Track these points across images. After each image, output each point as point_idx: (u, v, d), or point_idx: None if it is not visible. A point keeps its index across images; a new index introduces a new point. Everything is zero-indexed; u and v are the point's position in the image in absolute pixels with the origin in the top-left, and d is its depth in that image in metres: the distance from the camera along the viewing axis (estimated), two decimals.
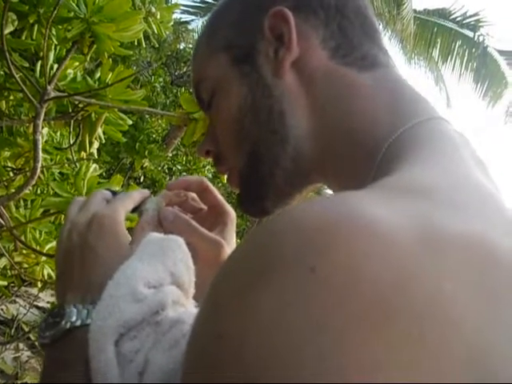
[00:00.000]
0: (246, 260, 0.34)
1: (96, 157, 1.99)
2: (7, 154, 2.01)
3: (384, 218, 0.33)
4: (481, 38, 10.88)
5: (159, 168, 7.38)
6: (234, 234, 0.73)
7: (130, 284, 0.51)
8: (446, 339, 0.29)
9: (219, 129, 0.68)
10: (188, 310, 0.53)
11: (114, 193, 0.69)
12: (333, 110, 0.60)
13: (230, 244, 0.70)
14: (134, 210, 0.68)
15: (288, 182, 0.65)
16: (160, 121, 6.89)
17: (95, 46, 1.50)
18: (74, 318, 0.54)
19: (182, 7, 10.34)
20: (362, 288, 0.29)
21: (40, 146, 1.45)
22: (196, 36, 10.84)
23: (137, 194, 0.69)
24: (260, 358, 0.29)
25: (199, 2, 11.48)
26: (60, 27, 1.63)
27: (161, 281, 0.53)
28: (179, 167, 7.79)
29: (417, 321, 0.29)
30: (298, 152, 0.62)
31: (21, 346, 3.58)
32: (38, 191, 2.50)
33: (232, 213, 0.74)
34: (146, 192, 0.71)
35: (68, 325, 0.53)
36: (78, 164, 1.88)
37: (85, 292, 0.56)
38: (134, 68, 7.67)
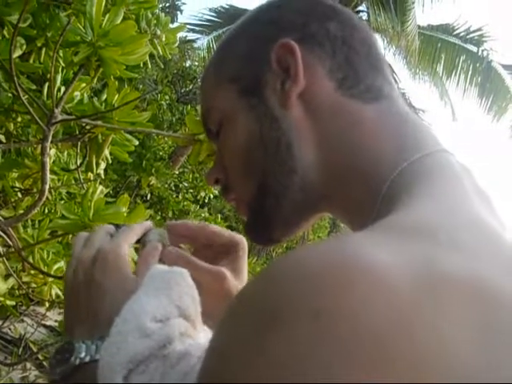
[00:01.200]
0: (253, 307, 0.35)
1: (103, 177, 2.01)
2: (15, 174, 2.03)
3: (383, 264, 0.34)
4: (485, 53, 10.92)
5: (166, 185, 7.41)
6: (246, 262, 0.74)
7: (137, 319, 0.51)
8: (444, 380, 0.30)
9: (227, 159, 0.68)
10: (196, 341, 0.54)
11: (117, 226, 0.71)
12: (337, 143, 0.60)
13: (242, 272, 0.72)
14: (137, 242, 0.69)
15: (295, 212, 0.65)
16: (166, 138, 6.93)
17: (101, 69, 1.52)
18: (83, 354, 0.55)
19: (187, 26, 10.42)
20: (361, 338, 0.30)
21: (48, 168, 1.47)
22: (202, 54, 10.94)
23: (139, 227, 0.70)
24: None
25: (205, 21, 11.59)
26: (67, 50, 1.66)
27: (167, 314, 0.53)
28: (186, 184, 7.81)
29: (416, 367, 0.30)
30: (305, 183, 0.62)
31: (28, 365, 3.58)
32: (46, 210, 2.52)
33: (242, 242, 0.75)
34: (148, 224, 0.73)
35: (77, 361, 0.55)
36: (85, 185, 1.89)
37: (93, 327, 0.57)
38: (140, 86, 7.73)
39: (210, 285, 0.68)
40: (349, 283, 0.33)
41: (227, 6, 11.77)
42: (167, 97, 8.96)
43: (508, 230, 0.51)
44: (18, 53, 1.57)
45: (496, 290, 0.36)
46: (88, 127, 1.69)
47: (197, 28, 11.48)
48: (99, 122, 1.59)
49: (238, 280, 0.70)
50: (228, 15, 11.33)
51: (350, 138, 0.60)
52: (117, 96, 1.70)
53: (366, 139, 0.59)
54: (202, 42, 11.34)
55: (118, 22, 1.49)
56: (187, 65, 11.02)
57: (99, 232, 0.68)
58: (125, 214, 1.43)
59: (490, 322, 0.34)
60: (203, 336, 0.56)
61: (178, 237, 0.74)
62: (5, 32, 1.60)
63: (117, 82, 1.74)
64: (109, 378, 0.49)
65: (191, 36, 11.29)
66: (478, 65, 10.96)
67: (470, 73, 11.05)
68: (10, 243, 1.66)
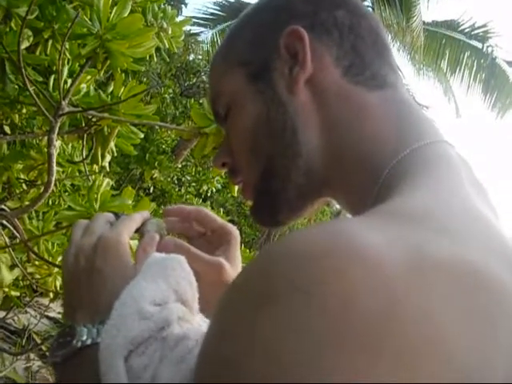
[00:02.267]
0: (248, 287, 0.37)
1: (108, 169, 2.02)
2: (20, 166, 2.04)
3: (376, 247, 0.35)
4: (489, 49, 10.87)
5: (169, 179, 7.41)
6: (239, 251, 0.76)
7: (136, 303, 0.53)
8: (434, 362, 0.31)
9: (234, 142, 0.69)
10: (194, 325, 0.56)
11: (117, 215, 0.72)
12: (340, 129, 0.62)
13: (236, 261, 0.74)
14: (135, 231, 0.71)
15: (300, 196, 0.66)
16: (170, 132, 6.93)
17: (108, 62, 1.52)
18: (84, 337, 0.56)
19: (191, 19, 10.40)
20: (352, 316, 0.32)
21: (54, 160, 1.48)
22: (206, 47, 10.91)
23: (138, 216, 0.71)
24: (264, 376, 0.32)
25: (209, 14, 11.56)
26: (73, 42, 1.66)
27: (165, 299, 0.55)
28: (188, 178, 7.81)
29: (404, 346, 0.31)
30: (309, 167, 0.63)
31: (32, 356, 3.60)
32: (50, 202, 2.53)
33: (234, 231, 0.77)
34: (147, 214, 0.74)
35: (79, 344, 0.56)
36: (90, 177, 1.90)
37: (94, 312, 0.58)
38: (144, 79, 7.73)
39: (207, 275, 0.69)
40: (342, 266, 0.34)
41: (231, 0, 11.74)
42: (171, 90, 8.95)
43: (501, 220, 0.53)
44: (25, 45, 1.57)
45: (486, 275, 0.37)
46: (94, 119, 1.70)
47: (201, 21, 11.45)
48: (106, 115, 1.60)
49: (233, 268, 0.72)
50: (232, 9, 11.29)
51: (353, 124, 0.62)
52: (123, 89, 1.71)
53: (368, 126, 0.61)
54: (206, 35, 11.31)
55: (126, 14, 1.50)
56: (191, 58, 10.99)
57: (99, 220, 0.69)
58: (130, 207, 1.44)
59: (479, 305, 0.35)
60: (200, 320, 0.58)
61: (174, 221, 0.77)
62: (12, 24, 1.61)
63: (123, 75, 1.74)
64: (109, 359, 0.50)
65: (195, 29, 11.28)
66: (482, 61, 10.91)
67: (474, 69, 11.01)
68: (16, 234, 1.67)
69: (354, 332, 0.31)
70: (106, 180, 1.50)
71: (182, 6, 12.14)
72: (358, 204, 0.60)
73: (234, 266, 0.72)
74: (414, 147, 0.57)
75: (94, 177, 1.70)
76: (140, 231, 0.71)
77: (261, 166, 0.66)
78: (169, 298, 0.56)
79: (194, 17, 11.25)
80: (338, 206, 0.71)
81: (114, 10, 1.48)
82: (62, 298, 0.68)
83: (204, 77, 10.04)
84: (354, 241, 0.36)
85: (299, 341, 0.32)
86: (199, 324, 0.57)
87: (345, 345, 0.31)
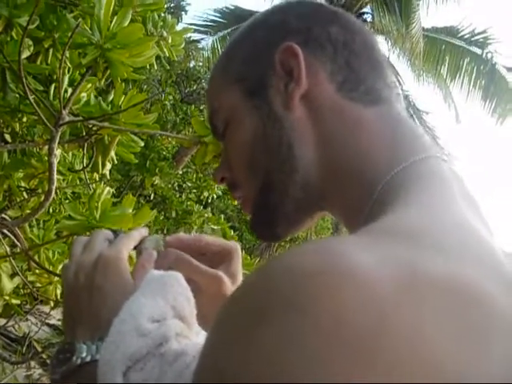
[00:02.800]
0: (245, 303, 0.38)
1: (108, 177, 2.02)
2: (21, 174, 2.04)
3: (368, 266, 0.36)
4: (489, 56, 10.90)
5: (169, 185, 7.42)
6: (240, 266, 0.76)
7: (134, 320, 0.54)
8: (425, 376, 0.31)
9: (232, 157, 0.70)
10: (192, 341, 0.56)
11: (115, 232, 0.73)
12: (335, 144, 0.62)
13: (237, 276, 0.74)
14: (133, 248, 0.72)
15: (298, 210, 0.67)
16: (170, 139, 6.94)
17: (109, 71, 1.53)
18: (84, 354, 0.57)
19: (192, 26, 10.43)
20: (345, 335, 0.32)
21: (55, 169, 1.49)
22: (206, 54, 10.95)
23: (136, 234, 0.72)
24: None
25: (209, 21, 11.60)
26: (74, 51, 1.67)
27: (163, 315, 0.56)
28: (189, 184, 7.81)
29: (395, 364, 0.31)
30: (306, 181, 0.64)
31: (32, 363, 3.59)
32: (51, 210, 2.53)
33: (235, 247, 0.77)
34: (145, 230, 0.75)
35: (79, 360, 0.56)
36: (90, 185, 1.91)
37: (94, 329, 0.59)
38: (145, 87, 7.74)
39: (208, 288, 0.70)
40: (333, 284, 0.35)
41: (232, 7, 11.79)
42: (171, 97, 8.97)
43: (494, 235, 0.53)
44: (25, 54, 1.58)
45: (478, 291, 0.38)
46: (95, 128, 1.70)
47: (201, 28, 11.49)
48: (106, 124, 1.60)
49: (233, 284, 0.73)
50: (233, 16, 11.34)
51: (347, 139, 0.62)
52: (123, 98, 1.72)
53: (362, 142, 0.61)
54: (207, 42, 11.36)
55: (126, 24, 1.50)
56: (191, 65, 11.02)
57: (98, 237, 0.70)
58: (131, 216, 1.44)
59: (471, 320, 0.36)
60: (199, 336, 0.58)
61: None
62: (13, 33, 1.61)
63: (123, 83, 1.75)
64: (108, 375, 0.51)
65: (196, 36, 11.32)
66: (482, 67, 10.94)
67: (474, 75, 11.05)
68: (17, 243, 1.67)
69: (346, 347, 0.32)
70: (107, 188, 1.50)
71: (183, 13, 12.18)
72: (353, 218, 0.60)
73: (234, 280, 0.73)
74: (407, 163, 0.58)
75: (94, 185, 1.71)
76: (138, 248, 0.72)
77: (259, 181, 0.67)
78: (167, 314, 0.56)
79: (194, 24, 11.31)
80: None
81: (114, 20, 1.49)
82: (62, 310, 0.69)
83: (204, 83, 10.05)
84: (346, 260, 0.37)
85: (294, 356, 0.32)
86: (197, 339, 0.57)
87: (337, 360, 0.32)
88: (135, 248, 0.72)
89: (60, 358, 0.58)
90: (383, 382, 0.31)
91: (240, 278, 0.75)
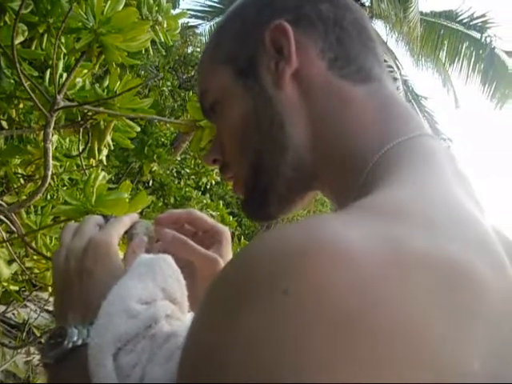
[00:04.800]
0: (229, 284, 0.38)
1: (105, 163, 2.02)
2: (17, 161, 2.04)
3: (354, 242, 0.36)
4: (488, 40, 10.86)
5: (168, 172, 7.42)
6: (230, 250, 0.77)
7: (123, 302, 0.54)
8: (410, 355, 0.32)
9: (224, 138, 0.70)
10: (184, 323, 0.56)
11: (106, 217, 0.73)
12: (326, 123, 0.62)
13: (227, 259, 0.74)
14: (124, 233, 0.72)
15: (289, 189, 0.67)
16: (168, 125, 6.92)
17: (103, 56, 1.53)
18: (75, 338, 0.57)
19: (189, 12, 10.40)
20: (329, 311, 0.33)
21: (50, 154, 1.48)
22: (204, 40, 10.90)
23: (127, 219, 0.72)
24: (244, 369, 0.32)
25: (207, 7, 11.53)
26: (69, 36, 1.66)
27: (153, 296, 0.56)
28: (188, 171, 7.81)
29: (380, 341, 0.32)
30: (297, 160, 0.64)
31: (32, 349, 3.61)
32: (48, 197, 2.53)
33: (225, 231, 0.78)
34: (135, 216, 0.75)
35: (70, 344, 0.56)
36: (87, 171, 1.91)
37: (85, 313, 0.59)
38: (142, 73, 7.71)
39: (203, 269, 0.71)
40: (316, 261, 0.35)
41: None
42: (169, 83, 8.94)
43: (486, 214, 0.53)
44: (19, 39, 1.57)
45: (466, 268, 0.38)
46: (90, 113, 1.70)
47: (199, 14, 11.44)
48: (101, 109, 1.60)
49: None
50: (230, 1, 11.27)
51: (337, 117, 0.62)
52: (119, 83, 1.71)
53: (352, 120, 0.61)
54: (204, 27, 11.32)
55: (120, 8, 1.50)
56: (189, 51, 10.97)
57: (89, 222, 0.70)
58: (127, 200, 1.44)
59: (458, 298, 0.36)
60: (190, 318, 0.58)
61: (166, 226, 0.76)
62: (6, 18, 1.61)
63: (119, 69, 1.74)
64: (98, 358, 0.51)
65: (193, 22, 11.26)
66: (481, 51, 10.90)
67: (472, 59, 11.01)
68: (14, 229, 1.68)
69: (329, 326, 0.32)
70: (102, 174, 1.50)
71: None
72: (344, 197, 0.60)
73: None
74: (397, 141, 0.57)
75: (90, 170, 1.70)
76: (129, 233, 0.72)
77: (250, 160, 0.67)
78: (156, 295, 0.56)
79: (191, 9, 11.26)
80: None
81: (108, 4, 1.48)
82: (53, 295, 0.69)
83: None
84: (330, 237, 0.37)
85: (278, 336, 0.32)
86: (189, 321, 0.57)
87: (321, 338, 0.32)
88: (125, 233, 0.72)
89: (51, 343, 0.58)
90: (367, 359, 0.31)
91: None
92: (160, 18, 1.81)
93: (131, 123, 1.77)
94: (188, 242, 0.71)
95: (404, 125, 0.61)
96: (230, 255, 0.76)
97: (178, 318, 0.57)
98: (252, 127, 0.65)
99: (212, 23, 11.22)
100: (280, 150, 0.64)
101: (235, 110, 0.66)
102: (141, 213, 1.52)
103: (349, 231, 0.38)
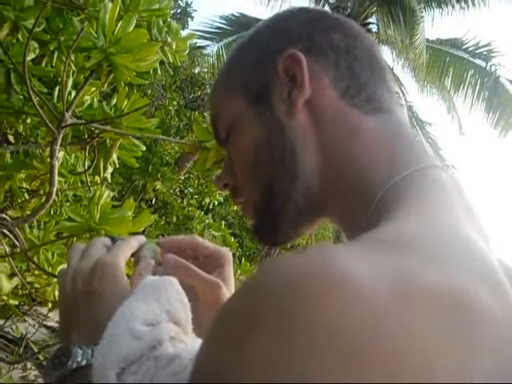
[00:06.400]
0: (237, 311, 0.39)
1: (109, 180, 2.03)
2: (23, 175, 2.05)
3: (360, 273, 0.37)
4: (493, 68, 10.93)
5: (171, 191, 7.42)
6: (232, 273, 0.77)
7: (127, 323, 0.54)
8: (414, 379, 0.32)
9: (235, 164, 0.70)
10: (188, 345, 0.57)
11: (113, 239, 0.73)
12: (336, 152, 0.63)
13: (229, 283, 0.75)
14: (131, 256, 0.72)
15: (299, 216, 0.67)
16: (173, 144, 6.95)
17: (112, 75, 1.54)
18: (79, 358, 0.57)
19: (197, 32, 10.49)
20: (337, 343, 0.33)
21: (56, 171, 1.49)
22: (211, 61, 10.97)
23: (134, 241, 0.73)
24: None
25: (215, 28, 11.64)
26: (79, 55, 1.68)
27: (157, 318, 0.56)
28: (191, 190, 7.82)
29: (386, 371, 0.32)
30: (307, 188, 0.64)
31: (29, 365, 3.59)
32: (52, 212, 2.53)
33: (227, 254, 0.78)
34: (142, 238, 0.75)
35: (74, 365, 0.57)
36: (91, 188, 1.92)
37: (90, 334, 0.59)
38: (149, 91, 7.76)
39: (206, 294, 0.71)
40: (325, 292, 0.35)
41: (238, 14, 11.83)
42: (175, 102, 8.99)
43: (491, 245, 0.54)
44: (31, 56, 1.59)
45: (471, 300, 0.38)
46: (97, 131, 1.71)
47: (207, 35, 11.54)
48: (108, 127, 1.61)
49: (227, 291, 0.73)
50: (238, 23, 11.39)
51: (347, 147, 0.62)
52: (126, 101, 1.73)
53: (362, 150, 0.62)
54: (212, 48, 11.40)
55: (131, 29, 1.52)
56: (196, 71, 11.05)
57: (96, 244, 0.70)
58: (130, 219, 1.45)
59: (462, 328, 0.36)
60: (196, 342, 0.59)
61: (168, 250, 0.77)
62: (19, 36, 1.63)
63: (127, 88, 1.76)
64: (102, 377, 0.52)
65: (201, 42, 11.36)
66: (485, 79, 10.97)
67: (477, 87, 11.07)
68: (17, 243, 1.68)
69: (337, 354, 0.32)
70: (107, 192, 1.51)
71: (189, 19, 12.23)
72: (353, 226, 0.61)
73: (227, 287, 0.73)
74: (407, 172, 0.58)
75: (95, 188, 1.72)
76: (135, 256, 0.73)
77: (262, 187, 0.68)
78: (161, 317, 0.57)
79: (200, 30, 11.35)
80: None
81: (119, 25, 1.50)
82: (58, 315, 0.69)
83: (209, 90, 10.08)
84: (338, 266, 0.37)
85: (285, 364, 0.33)
86: (194, 344, 0.57)
87: (329, 367, 0.32)
88: (132, 255, 0.72)
89: (55, 362, 0.59)
90: None
91: (232, 284, 0.76)
92: (169, 40, 1.83)
93: (137, 142, 1.79)
94: (190, 267, 0.71)
95: (414, 155, 0.61)
96: (232, 279, 0.76)
97: (182, 340, 0.57)
98: (264, 154, 0.66)
99: (220, 44, 11.32)
100: (291, 177, 0.65)
101: (248, 136, 0.67)
102: (143, 231, 1.52)
103: (358, 262, 0.38)
